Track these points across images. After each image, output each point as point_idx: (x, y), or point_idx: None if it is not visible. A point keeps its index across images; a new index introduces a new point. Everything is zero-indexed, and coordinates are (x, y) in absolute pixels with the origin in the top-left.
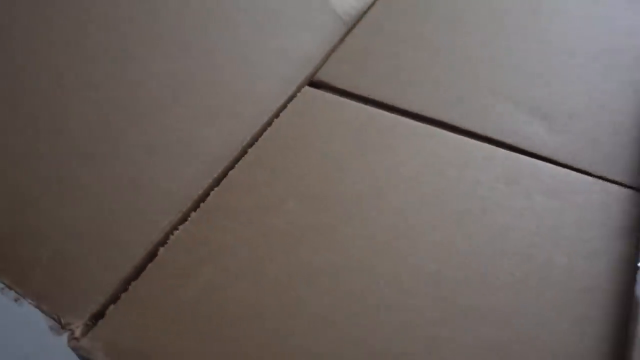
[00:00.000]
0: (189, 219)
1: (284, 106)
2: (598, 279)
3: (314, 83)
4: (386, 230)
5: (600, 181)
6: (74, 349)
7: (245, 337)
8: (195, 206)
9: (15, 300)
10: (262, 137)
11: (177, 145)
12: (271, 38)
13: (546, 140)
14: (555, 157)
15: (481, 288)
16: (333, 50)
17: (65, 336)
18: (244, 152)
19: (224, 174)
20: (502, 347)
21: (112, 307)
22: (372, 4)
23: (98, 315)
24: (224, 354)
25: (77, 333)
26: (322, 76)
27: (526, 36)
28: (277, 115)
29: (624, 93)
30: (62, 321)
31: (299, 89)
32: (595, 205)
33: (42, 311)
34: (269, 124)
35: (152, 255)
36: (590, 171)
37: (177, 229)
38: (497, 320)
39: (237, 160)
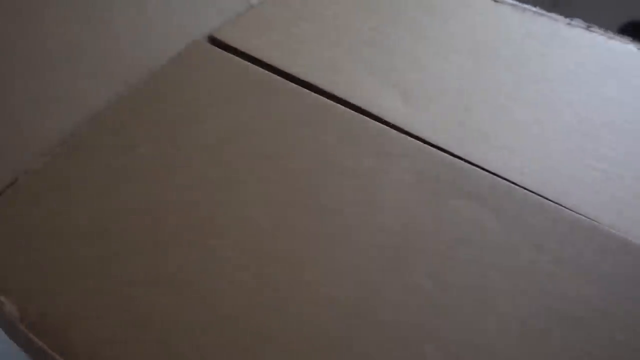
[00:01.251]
0: (53, 152)
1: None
2: (389, 236)
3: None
4: (221, 178)
5: (429, 149)
6: None
7: (64, 256)
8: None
9: None
10: (140, 86)
11: (60, 97)
12: (175, 15)
13: (400, 112)
14: (402, 125)
15: (290, 237)
16: None
17: None
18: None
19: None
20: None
21: None
22: None
23: None
24: (41, 266)
25: None
26: (215, 33)
27: (417, 31)
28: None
29: (485, 85)
30: None
31: None
32: (416, 170)
33: None
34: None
35: (13, 182)
36: (425, 138)
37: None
38: (292, 264)
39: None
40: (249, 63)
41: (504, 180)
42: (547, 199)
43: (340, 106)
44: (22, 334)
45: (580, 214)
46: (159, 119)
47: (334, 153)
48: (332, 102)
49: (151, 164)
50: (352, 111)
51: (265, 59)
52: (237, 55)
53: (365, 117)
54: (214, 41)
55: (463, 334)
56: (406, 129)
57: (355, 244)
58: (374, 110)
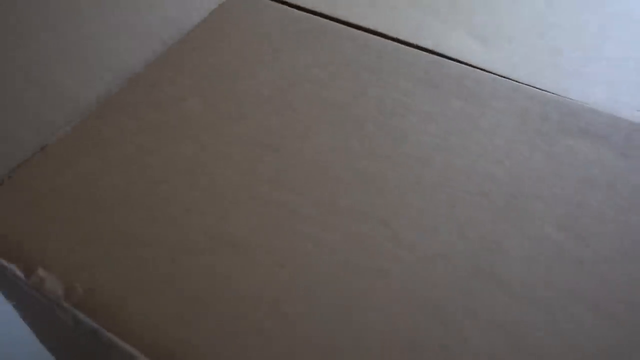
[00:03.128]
0: (87, 113)
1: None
2: (497, 183)
3: None
4: (286, 128)
5: (525, 86)
6: None
7: (109, 223)
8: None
9: None
10: (180, 39)
11: (90, 56)
12: None
13: (479, 54)
14: (484, 67)
15: (377, 190)
16: None
17: None
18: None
19: None
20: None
21: None
22: None
23: None
24: (84, 236)
25: None
26: None
27: None
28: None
29: (564, 26)
30: None
31: None
32: (516, 110)
33: None
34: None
35: (43, 148)
36: (516, 79)
37: (70, 124)
38: (359, 215)
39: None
40: (297, 10)
41: (621, 117)
42: None
43: (411, 48)
44: (67, 313)
45: None
46: (205, 72)
47: (413, 97)
48: (399, 44)
49: (201, 118)
50: (426, 53)
51: (314, 8)
52: (277, 1)
53: (441, 57)
54: None
55: (615, 291)
56: (492, 70)
57: (456, 194)
58: (450, 53)
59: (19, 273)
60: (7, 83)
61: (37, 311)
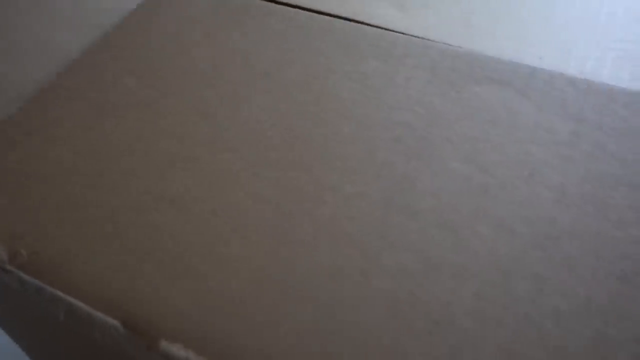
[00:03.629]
0: (28, 98)
1: None
2: (410, 129)
3: None
4: (220, 97)
5: (436, 44)
6: None
7: (54, 193)
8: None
9: None
10: (117, 26)
11: (30, 48)
12: None
13: (397, 20)
14: (401, 30)
15: (303, 145)
16: None
17: None
18: None
19: None
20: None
21: None
22: None
23: None
24: (29, 206)
25: None
26: None
27: None
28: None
29: None
30: None
31: None
32: (427, 65)
33: None
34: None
35: None
36: (430, 38)
37: (12, 108)
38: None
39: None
40: None
41: (522, 64)
42: (573, 76)
43: (333, 18)
44: (12, 276)
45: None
46: (142, 54)
47: (334, 60)
48: (323, 16)
49: (140, 94)
50: (347, 21)
51: None
52: None
53: (360, 24)
54: None
55: (516, 210)
56: (407, 32)
57: (374, 142)
58: (368, 20)
59: None
60: None
61: None
